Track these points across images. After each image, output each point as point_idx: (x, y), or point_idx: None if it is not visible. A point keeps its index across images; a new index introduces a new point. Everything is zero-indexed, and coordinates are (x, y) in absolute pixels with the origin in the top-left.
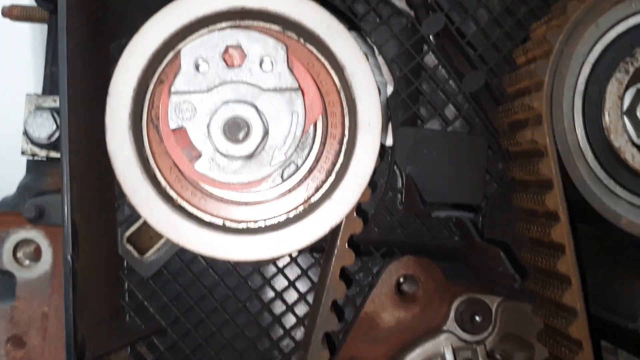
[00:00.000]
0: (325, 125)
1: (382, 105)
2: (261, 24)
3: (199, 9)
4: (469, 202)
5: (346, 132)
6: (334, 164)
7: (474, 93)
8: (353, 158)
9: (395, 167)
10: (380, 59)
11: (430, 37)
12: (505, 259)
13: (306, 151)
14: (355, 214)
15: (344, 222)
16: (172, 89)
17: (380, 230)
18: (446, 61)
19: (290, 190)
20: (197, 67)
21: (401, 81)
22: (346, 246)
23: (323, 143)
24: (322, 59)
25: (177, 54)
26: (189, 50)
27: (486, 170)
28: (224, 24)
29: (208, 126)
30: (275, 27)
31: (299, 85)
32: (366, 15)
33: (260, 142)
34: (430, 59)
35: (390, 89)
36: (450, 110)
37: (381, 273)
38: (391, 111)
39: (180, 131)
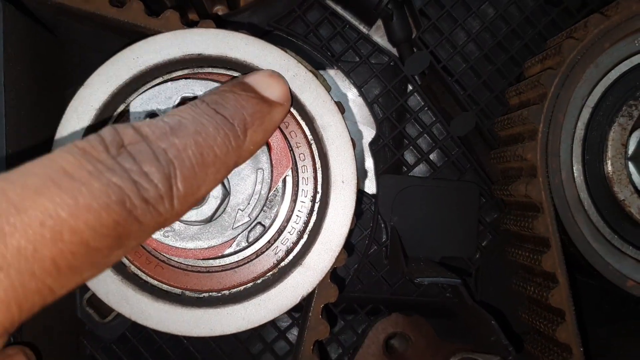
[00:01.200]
0: (295, 181)
1: (358, 158)
2: (221, 71)
3: (151, 58)
4: (460, 256)
5: (319, 189)
6: (306, 224)
7: (463, 137)
8: (326, 218)
9: (380, 218)
10: (360, 100)
11: (416, 77)
12: (498, 328)
13: (275, 210)
14: (329, 280)
15: (316, 290)
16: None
17: (364, 286)
18: (433, 102)
19: (257, 255)
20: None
21: (384, 124)
22: (320, 317)
23: (294, 201)
24: (291, 109)
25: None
26: (138, 103)
27: (479, 220)
28: (179, 73)
29: None
30: (237, 74)
31: None
32: (344, 53)
33: (220, 205)
34: (415, 100)
35: (372, 133)
36: (438, 155)
37: (367, 332)
38: (373, 157)
39: None
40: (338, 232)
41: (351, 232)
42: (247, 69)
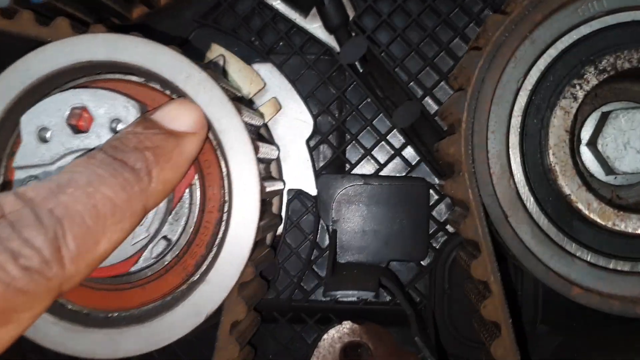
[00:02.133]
0: (202, 190)
1: (297, 157)
2: (118, 76)
3: (41, 69)
4: (409, 260)
5: (226, 197)
6: (214, 236)
7: (410, 127)
8: (229, 230)
9: (321, 222)
10: (296, 95)
11: (357, 63)
12: (422, 344)
13: (182, 222)
14: (237, 296)
15: (224, 307)
16: (14, 164)
17: (307, 294)
18: (375, 93)
19: (167, 270)
20: (41, 137)
21: (322, 120)
22: (229, 335)
23: (202, 211)
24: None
25: None
26: (28, 117)
27: (430, 219)
28: (81, 81)
29: None
30: (136, 79)
31: None
32: (276, 46)
33: None
34: (357, 92)
35: (308, 129)
36: (383, 151)
37: (318, 342)
38: (310, 155)
39: None
40: (242, 245)
41: (255, 244)
42: (142, 72)
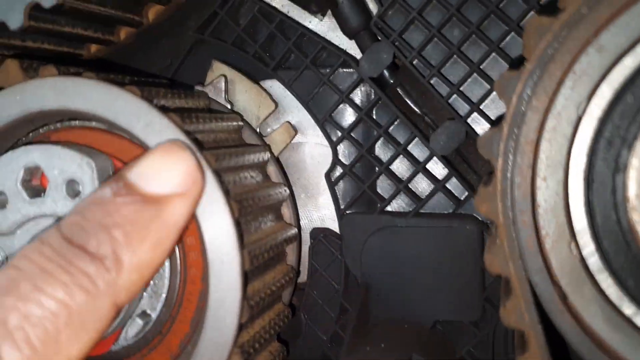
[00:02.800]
0: (182, 255)
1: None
2: (78, 123)
3: None
4: (460, 319)
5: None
6: (200, 311)
7: (454, 153)
8: (208, 308)
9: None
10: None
11: (386, 72)
12: None
13: (162, 295)
14: None
15: None
16: None
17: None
18: (406, 111)
19: (150, 350)
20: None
21: (344, 147)
22: None
23: (183, 281)
24: None
25: None
26: None
27: (482, 269)
28: (41, 131)
29: None
30: (101, 126)
31: None
32: (285, 59)
33: None
34: (385, 110)
35: (328, 160)
36: (422, 183)
37: None
38: (331, 192)
39: None
40: (224, 328)
41: (241, 325)
42: (100, 120)
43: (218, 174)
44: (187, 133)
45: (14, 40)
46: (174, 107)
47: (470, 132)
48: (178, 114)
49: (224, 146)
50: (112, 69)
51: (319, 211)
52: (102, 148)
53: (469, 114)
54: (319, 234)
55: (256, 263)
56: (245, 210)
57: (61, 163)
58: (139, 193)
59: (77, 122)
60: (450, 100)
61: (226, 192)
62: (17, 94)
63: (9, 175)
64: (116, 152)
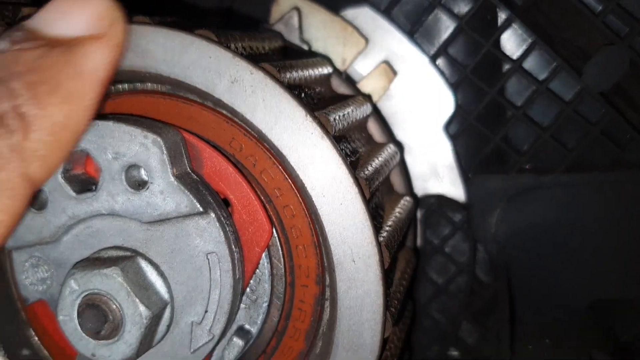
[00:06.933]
0: (287, 251)
1: (431, 152)
2: (133, 86)
3: None
4: (629, 296)
5: (325, 262)
6: (316, 322)
7: (613, 88)
8: (338, 312)
9: (478, 246)
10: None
11: None
12: None
13: (263, 304)
14: None
15: None
16: (7, 244)
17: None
18: (546, 36)
19: None
20: (35, 202)
21: (466, 90)
22: None
23: (291, 285)
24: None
25: None
26: None
27: None
28: None
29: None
30: (163, 88)
31: (213, 202)
32: None
33: (147, 331)
34: (515, 39)
35: (447, 108)
36: (571, 127)
37: None
38: (454, 147)
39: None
40: (362, 346)
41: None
42: (166, 80)
43: (341, 140)
44: (291, 88)
45: None
46: (257, 54)
47: (635, 59)
48: (271, 62)
49: (330, 104)
50: (150, 7)
51: (432, 173)
52: (168, 119)
53: (630, 35)
54: (431, 201)
55: (392, 251)
56: (374, 191)
57: (117, 144)
58: (42, 37)
59: (132, 85)
60: (605, 20)
61: (353, 166)
62: None
63: None
64: (186, 123)
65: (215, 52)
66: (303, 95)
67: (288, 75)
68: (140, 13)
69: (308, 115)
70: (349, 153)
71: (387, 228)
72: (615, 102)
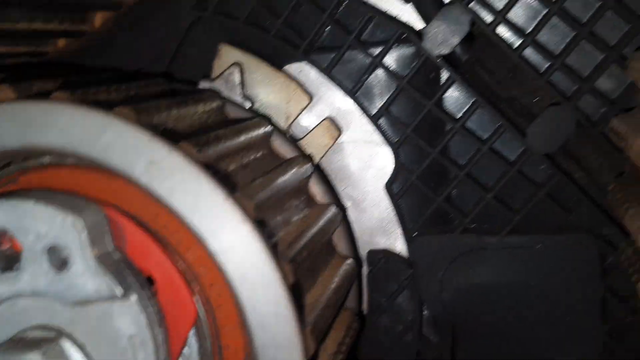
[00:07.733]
0: (215, 334)
1: (376, 214)
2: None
3: None
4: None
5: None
6: None
7: (561, 149)
8: None
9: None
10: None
11: (458, 48)
12: None
13: None
14: None
15: None
16: None
17: None
18: (492, 95)
19: None
20: None
21: (407, 149)
22: None
23: None
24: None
25: None
26: None
27: (605, 296)
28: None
29: None
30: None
31: (136, 282)
32: (318, 37)
33: None
34: (460, 97)
35: (388, 167)
36: (516, 189)
37: None
38: (395, 207)
39: None
40: None
41: None
42: (87, 160)
43: (262, 224)
44: (208, 168)
45: None
46: (182, 127)
47: (582, 120)
48: (192, 139)
49: (259, 175)
50: (84, 69)
51: (377, 230)
52: (90, 193)
53: (576, 94)
54: (378, 257)
55: (319, 335)
56: (301, 268)
57: (37, 225)
58: None
59: (52, 159)
60: (551, 78)
61: (273, 250)
62: None
63: None
64: (109, 197)
65: (133, 133)
66: (232, 167)
67: (212, 149)
68: (78, 79)
69: (228, 198)
70: (273, 233)
71: (320, 306)
72: (562, 164)
